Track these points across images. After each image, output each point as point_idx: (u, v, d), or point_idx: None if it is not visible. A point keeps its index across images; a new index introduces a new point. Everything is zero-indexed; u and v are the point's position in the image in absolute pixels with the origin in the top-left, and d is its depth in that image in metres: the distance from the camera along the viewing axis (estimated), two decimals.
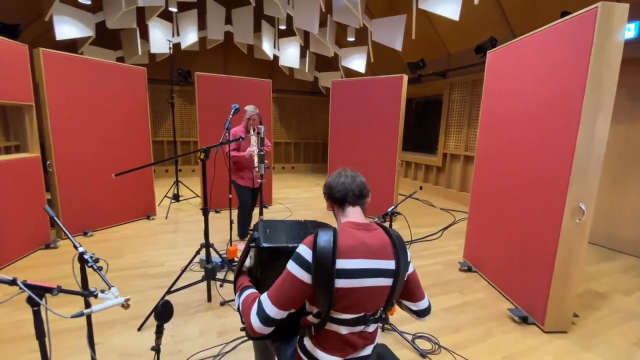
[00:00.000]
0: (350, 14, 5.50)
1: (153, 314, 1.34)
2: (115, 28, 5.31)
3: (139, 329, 2.18)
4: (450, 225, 4.75)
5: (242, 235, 3.63)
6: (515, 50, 2.67)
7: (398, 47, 5.49)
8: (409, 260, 1.15)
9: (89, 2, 4.69)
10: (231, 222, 3.09)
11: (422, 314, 1.21)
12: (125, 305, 1.25)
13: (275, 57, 7.20)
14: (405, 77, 4.54)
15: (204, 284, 2.56)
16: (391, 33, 5.51)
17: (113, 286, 1.26)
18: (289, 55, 7.06)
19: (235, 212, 3.46)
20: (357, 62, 6.71)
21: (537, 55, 2.40)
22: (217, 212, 4.99)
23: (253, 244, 1.22)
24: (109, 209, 4.14)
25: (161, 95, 7.77)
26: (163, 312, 1.39)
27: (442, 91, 6.37)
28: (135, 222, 4.45)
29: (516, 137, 2.63)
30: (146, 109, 4.48)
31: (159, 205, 4.99)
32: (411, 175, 7.42)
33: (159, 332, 1.47)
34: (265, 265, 1.25)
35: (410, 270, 1.17)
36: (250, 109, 3.15)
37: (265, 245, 1.18)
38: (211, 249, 2.53)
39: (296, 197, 6.26)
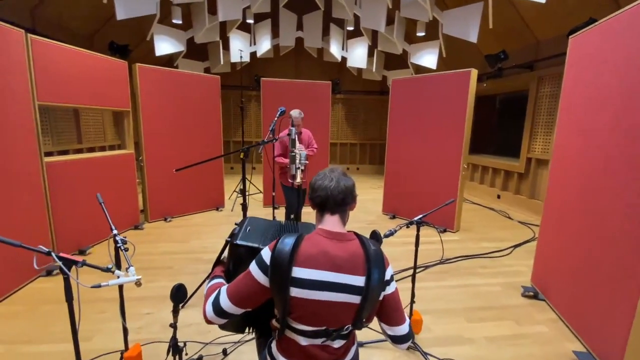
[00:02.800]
0: (419, 8, 5.19)
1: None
2: (202, 42, 6.10)
3: (182, 306, 2.48)
4: (526, 242, 4.09)
5: None
6: (600, 34, 2.15)
7: (473, 38, 4.96)
8: (387, 278, 1.04)
9: (181, 22, 5.48)
10: (274, 218, 3.25)
11: (398, 340, 1.08)
12: (138, 283, 1.45)
13: (344, 59, 7.25)
14: (475, 72, 4.06)
15: None
16: (464, 24, 5.01)
17: (132, 266, 1.47)
18: (357, 55, 7.03)
19: (278, 210, 3.64)
20: (427, 57, 6.29)
21: (624, 39, 1.90)
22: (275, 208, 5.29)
23: (229, 238, 1.28)
24: (186, 199, 4.79)
25: (239, 100, 8.58)
26: (177, 294, 1.55)
27: (527, 86, 5.49)
28: (205, 212, 5.04)
29: (598, 140, 2.12)
30: (219, 112, 5.02)
31: (228, 198, 5.55)
32: (487, 182, 6.60)
33: (175, 311, 1.65)
34: (237, 261, 1.29)
35: (391, 290, 1.07)
36: (293, 113, 3.28)
37: (237, 242, 1.23)
38: None
39: None
